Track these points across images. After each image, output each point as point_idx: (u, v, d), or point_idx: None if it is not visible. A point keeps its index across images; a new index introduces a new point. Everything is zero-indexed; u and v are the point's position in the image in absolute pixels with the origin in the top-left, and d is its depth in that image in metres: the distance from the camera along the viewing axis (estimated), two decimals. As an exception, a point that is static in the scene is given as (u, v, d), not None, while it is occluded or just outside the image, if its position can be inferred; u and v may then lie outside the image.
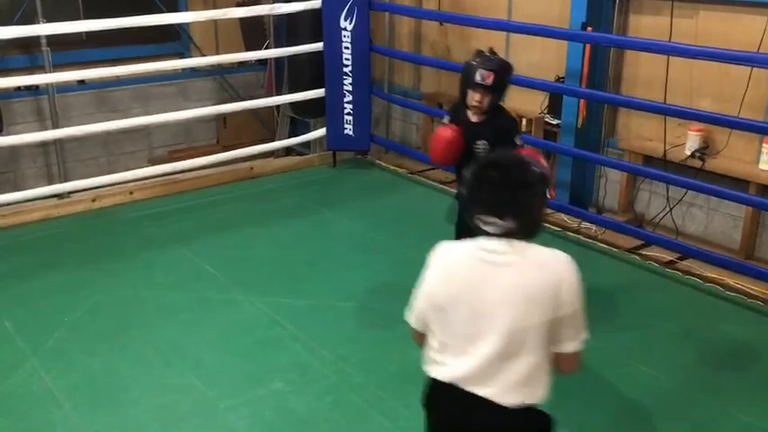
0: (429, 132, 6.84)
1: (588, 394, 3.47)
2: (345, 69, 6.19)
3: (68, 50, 6.22)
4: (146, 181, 5.85)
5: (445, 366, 2.05)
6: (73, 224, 5.34)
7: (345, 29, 6.07)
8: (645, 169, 5.03)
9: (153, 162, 6.74)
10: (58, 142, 5.85)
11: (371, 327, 4.01)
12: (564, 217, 5.37)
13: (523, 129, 5.77)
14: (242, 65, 7.51)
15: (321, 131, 6.53)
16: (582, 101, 5.28)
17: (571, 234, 5.22)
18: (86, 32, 6.02)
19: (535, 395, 2.01)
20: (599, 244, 5.07)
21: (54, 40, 5.63)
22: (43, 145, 6.41)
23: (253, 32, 7.40)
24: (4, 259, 4.77)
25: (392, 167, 6.57)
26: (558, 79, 5.46)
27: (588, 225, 5.25)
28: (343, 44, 6.09)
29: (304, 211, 5.66)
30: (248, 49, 7.27)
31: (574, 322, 1.99)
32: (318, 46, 6.15)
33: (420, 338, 2.19)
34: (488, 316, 1.96)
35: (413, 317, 2.17)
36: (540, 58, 5.69)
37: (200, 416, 3.29)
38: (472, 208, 2.01)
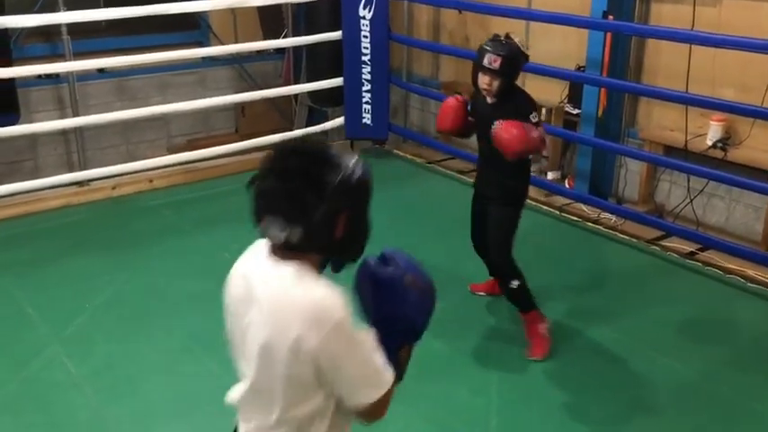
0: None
1: (605, 385, 3.46)
2: (364, 58, 6.17)
3: (88, 39, 6.25)
4: (165, 169, 5.87)
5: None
6: (93, 212, 5.38)
7: (364, 17, 6.05)
8: (666, 159, 4.99)
9: (172, 150, 6.76)
10: (77, 130, 5.88)
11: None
12: (583, 207, 5.34)
13: (543, 118, 5.73)
14: (260, 54, 7.51)
15: (339, 120, 6.53)
16: (603, 90, 5.23)
17: (590, 225, 5.19)
18: (106, 21, 6.04)
19: None
20: (619, 235, 5.03)
21: (74, 29, 5.65)
22: (63, 133, 6.44)
23: (271, 21, 7.39)
24: (26, 246, 4.82)
25: (410, 157, 6.56)
26: (579, 68, 5.41)
27: (608, 216, 5.21)
28: (362, 33, 6.07)
29: (322, 199, 5.66)
30: (266, 38, 7.26)
31: (349, 386, 1.56)
32: (337, 35, 6.14)
33: None
34: (241, 351, 1.65)
35: None
36: (560, 47, 5.64)
37: (219, 402, 3.29)
38: (255, 204, 1.54)
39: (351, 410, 1.61)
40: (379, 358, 1.58)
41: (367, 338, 1.58)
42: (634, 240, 4.96)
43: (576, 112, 5.52)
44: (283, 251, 1.55)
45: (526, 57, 3.59)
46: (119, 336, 3.79)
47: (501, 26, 6.07)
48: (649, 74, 5.22)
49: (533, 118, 3.54)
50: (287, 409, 1.58)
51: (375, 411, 1.61)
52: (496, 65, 3.44)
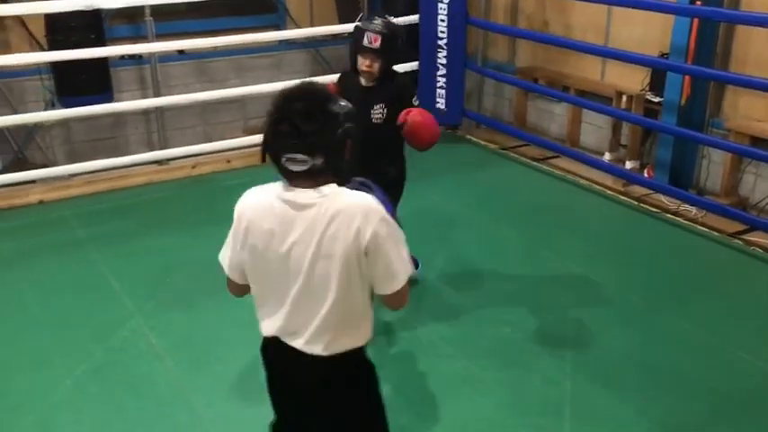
0: (522, 107, 6.73)
1: (681, 378, 3.38)
2: (440, 42, 6.14)
3: (170, 21, 6.41)
4: (242, 150, 5.99)
5: (266, 320, 2.01)
6: (174, 189, 5.54)
7: (442, 1, 6.00)
8: (752, 150, 4.80)
9: (247, 132, 6.88)
10: (158, 110, 6.05)
11: (460, 301, 4.00)
12: (663, 198, 5.20)
13: (623, 105, 5.60)
14: (335, 38, 7.55)
15: (413, 105, 6.51)
16: (687, 78, 5.07)
17: (670, 216, 5.06)
18: (187, 3, 6.17)
19: (344, 342, 1.96)
20: (699, 227, 4.89)
21: (157, 11, 5.80)
22: (145, 113, 6.65)
23: (347, 5, 7.42)
24: (111, 221, 4.99)
25: (483, 143, 6.50)
26: (662, 55, 5.26)
27: (688, 207, 5.07)
28: (440, 16, 6.04)
29: (394, 183, 5.67)
30: (342, 21, 7.30)
31: (387, 269, 1.89)
32: (414, 18, 6.12)
33: (238, 289, 2.11)
34: (293, 267, 1.89)
35: (225, 265, 2.08)
36: (642, 33, 5.50)
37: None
38: (276, 144, 1.83)
39: (381, 299, 1.95)
40: (406, 250, 1.93)
41: (401, 232, 1.92)
42: (715, 234, 4.81)
43: (657, 100, 5.38)
44: (304, 180, 1.85)
45: (403, 38, 3.50)
46: (199, 309, 3.89)
47: (581, 10, 5.98)
48: (738, 62, 5.03)
49: (415, 101, 3.44)
50: (337, 305, 1.89)
51: (402, 298, 1.97)
52: (377, 44, 3.30)
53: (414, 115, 3.35)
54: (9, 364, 3.45)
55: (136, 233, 4.78)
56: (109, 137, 6.64)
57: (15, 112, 5.96)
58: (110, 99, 5.90)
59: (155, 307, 3.91)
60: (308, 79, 1.96)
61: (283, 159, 1.82)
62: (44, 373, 3.37)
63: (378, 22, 3.40)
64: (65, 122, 6.16)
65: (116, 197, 5.36)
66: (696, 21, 4.91)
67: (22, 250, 4.57)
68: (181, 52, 6.70)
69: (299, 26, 7.11)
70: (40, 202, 5.25)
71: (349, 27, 6.87)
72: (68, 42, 5.39)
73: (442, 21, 6.06)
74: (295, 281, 1.90)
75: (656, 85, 5.39)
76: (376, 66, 3.35)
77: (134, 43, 6.00)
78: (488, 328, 3.70)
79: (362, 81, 3.44)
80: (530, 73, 6.55)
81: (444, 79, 6.27)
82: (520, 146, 6.30)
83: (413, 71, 6.28)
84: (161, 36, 5.86)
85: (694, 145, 5.29)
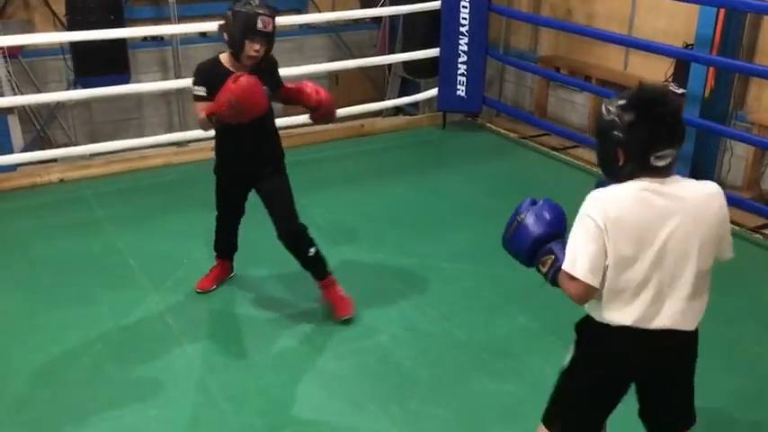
0: (543, 96, 6.67)
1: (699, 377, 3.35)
2: (462, 29, 6.10)
3: (192, 4, 6.41)
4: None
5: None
6: (193, 171, 5.53)
7: (465, -13, 5.96)
8: (776, 144, 4.75)
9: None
10: (179, 92, 6.07)
11: (476, 289, 4.00)
12: (683, 191, 5.15)
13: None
14: (357, 23, 7.53)
15: (433, 92, 6.48)
16: (711, 69, 5.00)
17: (689, 209, 5.00)
18: (210, -14, 6.19)
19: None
20: (719, 221, 4.83)
21: (180, -7, 5.82)
22: (165, 95, 6.67)
23: (369, -10, 7.40)
24: (131, 201, 5.04)
25: (503, 131, 6.47)
26: (687, 46, 5.19)
27: (709, 201, 5.01)
28: (462, 3, 5.99)
29: (412, 171, 5.67)
30: (363, 6, 7.27)
31: None
32: (436, 4, 6.08)
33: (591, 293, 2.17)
34: (660, 262, 2.09)
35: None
36: (667, 23, 5.43)
37: (309, 361, 3.40)
38: (651, 146, 2.01)
39: None
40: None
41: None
42: (736, 228, 4.73)
43: (680, 91, 5.30)
44: (666, 171, 2.05)
45: None
46: (216, 290, 3.91)
47: (605, 0, 5.91)
48: (763, 54, 4.96)
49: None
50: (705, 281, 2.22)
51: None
52: (270, 27, 3.25)
53: (322, 93, 3.50)
54: (27, 340, 3.50)
55: (154, 214, 4.81)
56: (129, 118, 6.68)
57: (38, 92, 6.01)
58: (127, 81, 5.90)
59: (171, 287, 3.93)
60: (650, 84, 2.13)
61: (654, 158, 2.01)
62: (61, 351, 3.42)
63: (259, 3, 3.29)
64: (86, 103, 6.20)
65: (135, 178, 5.40)
66: (722, 11, 4.84)
67: (41, 228, 4.62)
68: (203, 35, 6.71)
69: (320, 10, 7.08)
70: (61, 180, 5.30)
71: (371, 12, 6.87)
72: (86, 22, 5.40)
73: (465, 7, 6.01)
74: (681, 267, 2.14)
75: (680, 76, 5.32)
76: (263, 50, 3.29)
77: (156, 25, 6.02)
78: (503, 317, 3.69)
79: (232, 68, 3.32)
80: (552, 62, 6.49)
81: (465, 66, 6.23)
82: (540, 135, 6.26)
83: (433, 57, 6.26)
84: (183, 18, 5.87)
85: (717, 138, 5.22)
